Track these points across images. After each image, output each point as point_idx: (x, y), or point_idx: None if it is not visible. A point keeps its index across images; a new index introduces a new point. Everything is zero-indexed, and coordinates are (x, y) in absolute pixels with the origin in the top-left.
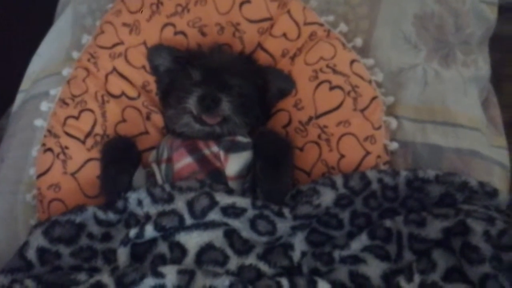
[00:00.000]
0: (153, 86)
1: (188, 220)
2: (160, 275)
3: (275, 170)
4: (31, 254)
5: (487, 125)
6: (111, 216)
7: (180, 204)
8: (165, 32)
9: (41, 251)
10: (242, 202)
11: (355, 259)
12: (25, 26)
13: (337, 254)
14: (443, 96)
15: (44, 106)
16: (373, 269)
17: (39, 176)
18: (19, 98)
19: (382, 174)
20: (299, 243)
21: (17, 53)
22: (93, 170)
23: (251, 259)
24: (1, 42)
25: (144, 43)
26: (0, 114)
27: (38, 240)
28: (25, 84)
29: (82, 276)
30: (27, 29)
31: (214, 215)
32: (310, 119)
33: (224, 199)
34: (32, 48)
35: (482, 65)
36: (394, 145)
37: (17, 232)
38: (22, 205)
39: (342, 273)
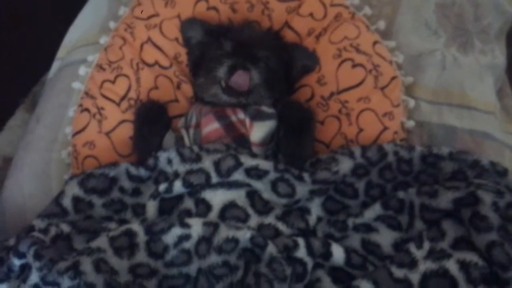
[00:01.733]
0: (184, 58)
1: (214, 178)
2: (186, 225)
3: (298, 136)
4: (67, 202)
5: (500, 112)
6: (142, 172)
7: (207, 163)
8: (198, 7)
9: (75, 200)
10: (265, 164)
11: (368, 228)
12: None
13: (351, 221)
14: (460, 80)
15: (82, 70)
16: (385, 237)
17: (75, 134)
18: (55, 65)
19: (398, 147)
20: (316, 208)
21: (54, 24)
22: (127, 130)
23: (270, 219)
24: (40, 14)
25: (178, 16)
26: (35, 82)
27: (74, 189)
28: (61, 52)
29: (112, 225)
30: (65, 1)
31: (238, 175)
32: (332, 94)
33: (248, 161)
34: (70, 20)
35: (499, 55)
36: (410, 123)
37: (51, 188)
38: (57, 163)
39: (354, 240)
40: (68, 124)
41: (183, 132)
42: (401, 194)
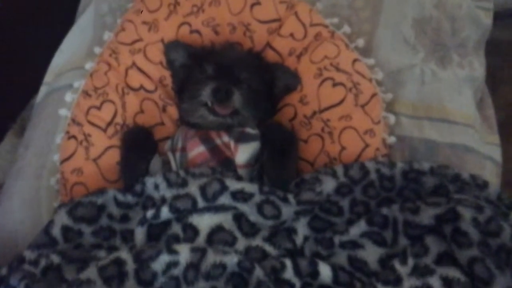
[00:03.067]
0: (169, 81)
1: (201, 203)
2: (174, 252)
3: (281, 159)
4: (56, 232)
5: (481, 123)
6: (130, 198)
7: (193, 188)
8: (181, 31)
9: (65, 229)
10: (250, 187)
11: (354, 244)
12: (48, 24)
13: (337, 239)
14: (439, 94)
15: (69, 97)
16: (371, 254)
17: (63, 161)
18: (43, 90)
19: (379, 164)
20: (302, 228)
21: (40, 50)
22: (113, 156)
23: (257, 241)
24: (26, 40)
25: (162, 40)
26: (23, 106)
27: (63, 219)
28: (48, 77)
29: (102, 253)
30: (51, 27)
31: (225, 199)
32: (314, 113)
33: (233, 184)
34: (55, 45)
35: (477, 67)
36: (392, 139)
37: (41, 214)
38: (46, 189)
39: (341, 257)
40: (56, 151)
41: (170, 155)
42: (384, 211)
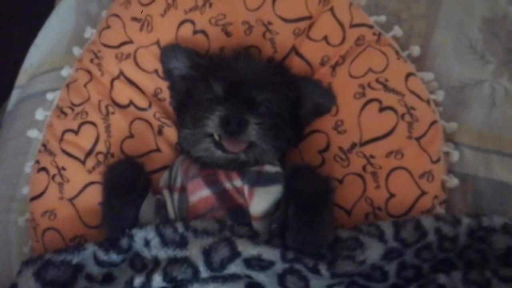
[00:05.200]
0: (166, 94)
1: (204, 273)
2: None
3: (312, 220)
4: None
5: None
6: (114, 257)
7: (194, 251)
8: (182, 30)
9: None
10: (270, 253)
11: None
12: (24, 11)
13: None
14: None
15: (40, 114)
16: None
17: (33, 199)
18: (15, 95)
19: (440, 222)
20: None
21: (15, 41)
22: (94, 195)
23: None
24: None
25: (157, 42)
26: None
27: (29, 283)
28: (21, 79)
29: None
30: (26, 14)
31: (235, 268)
32: (354, 145)
33: (248, 249)
34: (31, 36)
35: None
36: (454, 182)
37: (10, 256)
38: (15, 227)
39: None
40: (26, 182)
41: (166, 194)
42: (442, 278)
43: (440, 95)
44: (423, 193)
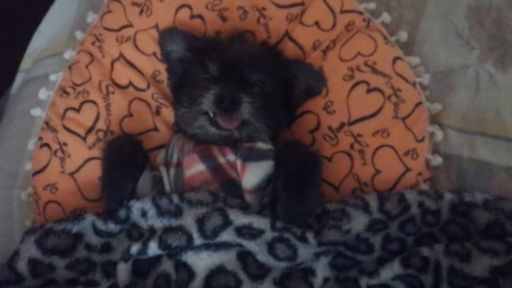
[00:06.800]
0: (164, 76)
1: (197, 240)
2: None
3: (300, 190)
4: (22, 267)
5: None
6: (112, 226)
7: (189, 220)
8: (180, 15)
9: (33, 263)
10: (260, 222)
11: None
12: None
13: (364, 281)
14: (497, 104)
15: (43, 93)
16: None
17: (35, 173)
18: (19, 78)
19: (423, 196)
20: (322, 268)
21: (19, 27)
22: (94, 170)
23: (266, 285)
24: (3, 17)
25: (156, 26)
26: (0, 94)
27: (30, 250)
28: (25, 63)
29: None
30: (30, 1)
31: (227, 236)
32: (342, 125)
33: (239, 218)
34: (35, 22)
35: None
36: (438, 160)
37: (12, 230)
38: (18, 201)
39: None
40: (29, 158)
41: (163, 170)
42: (425, 251)
43: (426, 79)
44: (408, 169)
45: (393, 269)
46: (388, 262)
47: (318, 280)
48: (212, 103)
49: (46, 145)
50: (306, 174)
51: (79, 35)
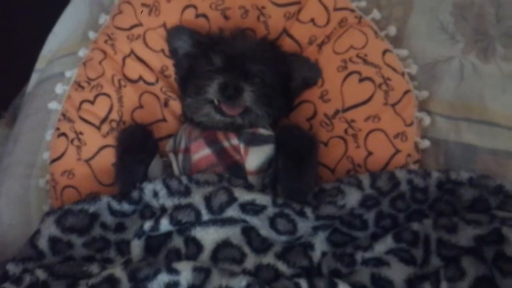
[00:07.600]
0: (171, 71)
1: (205, 216)
2: (174, 271)
3: (298, 168)
4: (43, 244)
5: None
6: (126, 206)
7: (197, 198)
8: (186, 14)
9: (52, 241)
10: (262, 199)
11: (378, 262)
12: (42, 3)
13: (359, 255)
14: (480, 92)
15: (59, 88)
16: (397, 272)
17: (53, 161)
18: (34, 78)
19: (412, 174)
20: (320, 243)
21: (33, 31)
22: (108, 157)
23: (269, 258)
24: (18, 20)
25: (164, 25)
26: (15, 94)
27: (50, 229)
28: (40, 63)
29: (94, 268)
30: (44, 6)
31: (232, 212)
32: (337, 112)
33: (243, 195)
34: (49, 26)
35: None
36: (425, 143)
37: (30, 217)
38: (36, 190)
39: (363, 275)
40: (46, 149)
41: (172, 157)
42: (415, 226)
43: (413, 69)
44: (397, 151)
45: (386, 243)
46: (381, 238)
47: (316, 253)
48: (217, 92)
49: (63, 134)
50: (303, 154)
51: (92, 35)
